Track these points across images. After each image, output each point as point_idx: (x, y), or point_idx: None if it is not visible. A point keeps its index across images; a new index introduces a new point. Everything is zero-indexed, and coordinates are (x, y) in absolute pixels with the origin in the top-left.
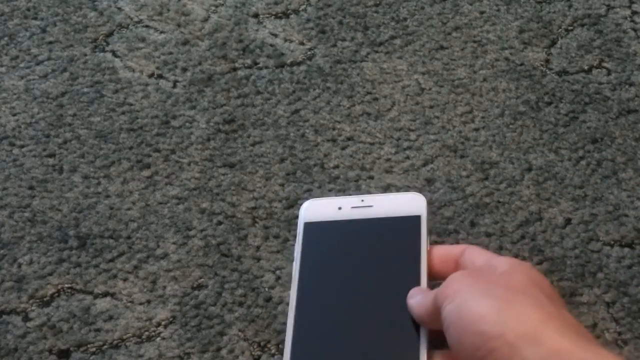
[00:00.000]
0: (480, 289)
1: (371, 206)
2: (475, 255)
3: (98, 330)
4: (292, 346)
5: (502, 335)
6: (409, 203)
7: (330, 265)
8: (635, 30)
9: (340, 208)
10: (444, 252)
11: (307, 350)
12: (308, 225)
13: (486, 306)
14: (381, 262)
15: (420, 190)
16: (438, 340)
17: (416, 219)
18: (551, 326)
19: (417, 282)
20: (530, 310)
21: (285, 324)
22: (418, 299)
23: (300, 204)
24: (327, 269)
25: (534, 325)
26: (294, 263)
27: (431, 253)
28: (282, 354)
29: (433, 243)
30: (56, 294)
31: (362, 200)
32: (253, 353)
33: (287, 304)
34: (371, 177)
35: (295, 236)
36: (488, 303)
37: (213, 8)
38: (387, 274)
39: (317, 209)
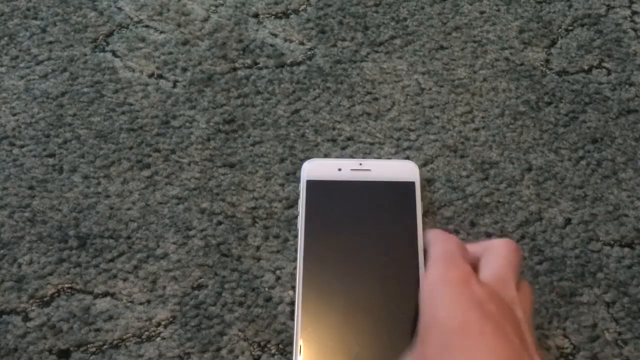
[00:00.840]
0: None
1: (369, 170)
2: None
3: (98, 330)
4: (303, 288)
5: None
6: (403, 169)
7: (332, 219)
8: (635, 30)
9: (340, 170)
10: None
11: (315, 292)
12: (310, 183)
13: None
14: (381, 221)
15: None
16: None
17: (411, 184)
18: None
19: (414, 242)
20: None
21: (285, 323)
22: None
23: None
24: (329, 222)
25: None
26: (299, 217)
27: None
28: (282, 354)
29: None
30: (56, 294)
31: (360, 164)
32: (253, 353)
33: (294, 265)
34: None
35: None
36: None
37: (213, 8)
38: (386, 231)
39: (318, 169)
